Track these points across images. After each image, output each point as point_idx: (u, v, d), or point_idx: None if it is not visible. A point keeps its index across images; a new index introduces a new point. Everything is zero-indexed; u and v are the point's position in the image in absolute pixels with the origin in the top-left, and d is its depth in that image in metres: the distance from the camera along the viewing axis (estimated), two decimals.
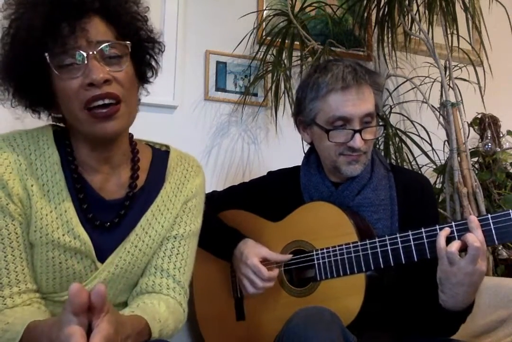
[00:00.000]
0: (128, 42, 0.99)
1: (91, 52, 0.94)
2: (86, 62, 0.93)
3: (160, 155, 1.18)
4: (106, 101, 0.95)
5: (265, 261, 1.35)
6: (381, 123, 1.37)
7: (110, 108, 0.95)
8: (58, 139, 1.06)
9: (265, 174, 1.59)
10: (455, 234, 1.13)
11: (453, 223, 1.14)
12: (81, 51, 0.93)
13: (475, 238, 1.09)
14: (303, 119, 1.38)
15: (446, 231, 1.13)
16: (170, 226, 1.12)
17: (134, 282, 1.11)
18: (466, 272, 1.09)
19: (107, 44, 0.95)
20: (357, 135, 1.28)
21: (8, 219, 0.98)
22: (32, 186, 1.00)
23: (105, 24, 0.98)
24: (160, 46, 1.10)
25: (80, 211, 1.03)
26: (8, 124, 1.11)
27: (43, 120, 1.10)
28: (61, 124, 1.10)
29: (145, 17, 1.06)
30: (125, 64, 0.98)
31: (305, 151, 1.49)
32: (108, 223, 1.05)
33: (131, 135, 1.15)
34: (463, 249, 1.10)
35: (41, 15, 0.92)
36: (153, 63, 1.10)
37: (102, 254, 1.05)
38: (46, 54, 0.93)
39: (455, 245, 1.10)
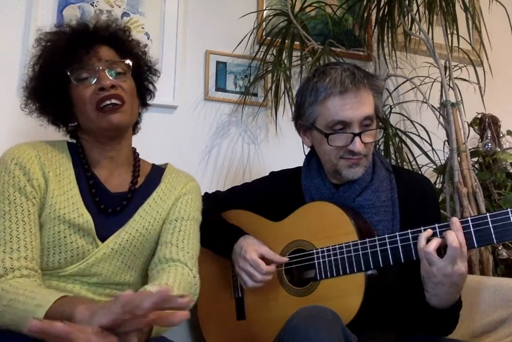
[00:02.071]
0: (129, 61, 1.26)
1: (101, 67, 1.21)
2: (98, 74, 1.20)
3: (158, 168, 1.39)
4: (113, 101, 1.19)
5: (263, 259, 1.35)
6: (381, 126, 1.37)
7: (115, 103, 1.20)
8: (71, 148, 1.30)
9: (265, 173, 1.60)
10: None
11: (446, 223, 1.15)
12: (94, 66, 1.21)
13: (455, 238, 1.10)
14: (303, 124, 1.38)
15: (428, 232, 1.15)
16: (166, 212, 1.29)
17: (131, 263, 1.25)
18: (445, 273, 1.12)
19: (113, 61, 1.23)
20: (357, 138, 1.28)
21: (24, 198, 1.17)
22: (49, 172, 1.21)
23: (113, 51, 1.26)
24: (157, 74, 1.38)
25: (87, 197, 1.22)
26: (33, 131, 1.40)
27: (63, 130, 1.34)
28: (73, 141, 1.34)
29: (145, 52, 1.35)
30: (127, 78, 1.25)
31: (305, 152, 1.49)
32: (111, 209, 1.23)
33: (134, 149, 1.37)
34: (444, 248, 1.12)
35: (65, 40, 1.23)
36: (151, 87, 1.37)
37: (103, 236, 1.20)
38: (67, 70, 1.20)
39: (433, 244, 1.12)
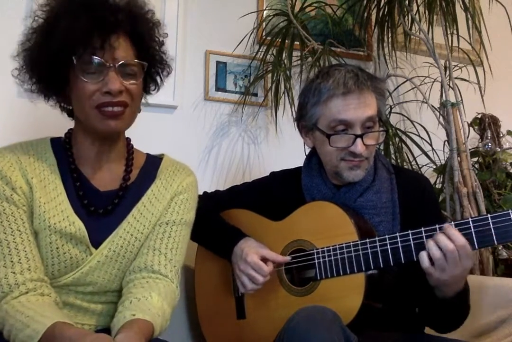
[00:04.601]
0: (145, 63, 1.16)
1: (112, 65, 1.09)
2: (107, 72, 1.09)
3: (154, 159, 1.31)
4: (115, 108, 1.10)
5: (264, 260, 1.35)
6: (384, 129, 1.36)
7: (118, 110, 1.11)
8: (55, 145, 1.21)
9: (265, 173, 1.60)
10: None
11: (452, 223, 1.15)
12: (105, 63, 1.09)
13: (446, 242, 1.11)
14: (305, 124, 1.38)
15: (424, 252, 1.14)
16: (160, 213, 1.22)
17: (127, 268, 1.18)
18: (455, 275, 1.13)
19: (127, 62, 1.11)
20: (359, 140, 1.28)
21: (14, 207, 1.11)
22: (32, 178, 1.13)
23: (129, 44, 1.14)
24: (169, 68, 1.27)
25: (75, 201, 1.15)
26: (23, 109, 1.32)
27: (55, 108, 1.25)
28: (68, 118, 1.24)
29: (162, 42, 1.23)
30: (138, 80, 1.15)
31: (306, 152, 1.49)
32: (102, 210, 1.17)
33: (129, 140, 1.29)
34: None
35: (80, 25, 1.06)
36: (159, 81, 1.27)
37: (97, 241, 1.15)
38: (74, 57, 1.08)
39: (434, 249, 1.12)
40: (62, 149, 1.20)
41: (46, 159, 1.18)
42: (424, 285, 1.21)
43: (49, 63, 1.10)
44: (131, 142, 1.29)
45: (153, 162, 1.29)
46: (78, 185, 1.17)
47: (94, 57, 1.08)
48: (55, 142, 1.22)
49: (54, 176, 1.16)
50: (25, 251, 1.08)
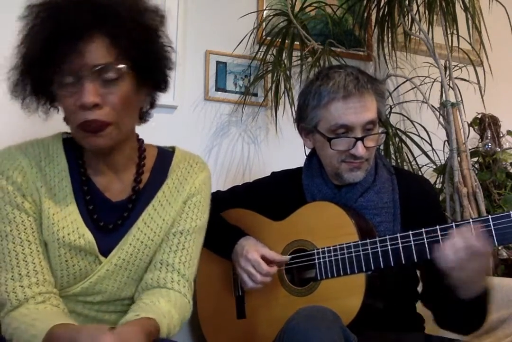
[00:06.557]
0: (123, 65, 1.00)
1: (86, 74, 0.98)
2: (82, 82, 0.98)
3: (165, 154, 1.23)
4: (93, 126, 1.00)
5: (264, 259, 1.35)
6: (383, 130, 1.36)
7: (97, 126, 1.01)
8: (67, 147, 1.14)
9: (265, 173, 1.60)
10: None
11: (453, 224, 1.15)
12: (77, 73, 0.98)
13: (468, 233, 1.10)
14: (305, 126, 1.38)
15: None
16: (172, 219, 1.16)
17: (137, 276, 1.15)
18: (473, 269, 1.11)
19: (102, 67, 0.98)
20: (359, 143, 1.28)
21: (24, 215, 1.06)
22: (41, 187, 1.08)
23: (106, 46, 0.99)
24: (169, 61, 1.10)
25: (85, 213, 1.10)
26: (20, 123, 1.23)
27: (49, 124, 1.15)
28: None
29: (157, 29, 1.08)
30: (120, 85, 1.01)
31: (306, 152, 1.49)
32: (112, 225, 1.11)
33: (140, 141, 1.20)
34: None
35: (43, 36, 0.97)
36: (163, 76, 1.11)
37: (106, 250, 1.10)
38: (49, 72, 0.99)
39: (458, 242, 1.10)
40: (74, 154, 1.13)
41: (58, 164, 1.11)
42: (440, 286, 1.19)
43: (33, 78, 1.03)
44: (143, 143, 1.19)
45: (164, 158, 1.21)
46: (88, 198, 1.11)
47: (65, 67, 0.98)
48: (68, 143, 1.14)
49: (65, 183, 1.10)
50: (34, 263, 1.05)
